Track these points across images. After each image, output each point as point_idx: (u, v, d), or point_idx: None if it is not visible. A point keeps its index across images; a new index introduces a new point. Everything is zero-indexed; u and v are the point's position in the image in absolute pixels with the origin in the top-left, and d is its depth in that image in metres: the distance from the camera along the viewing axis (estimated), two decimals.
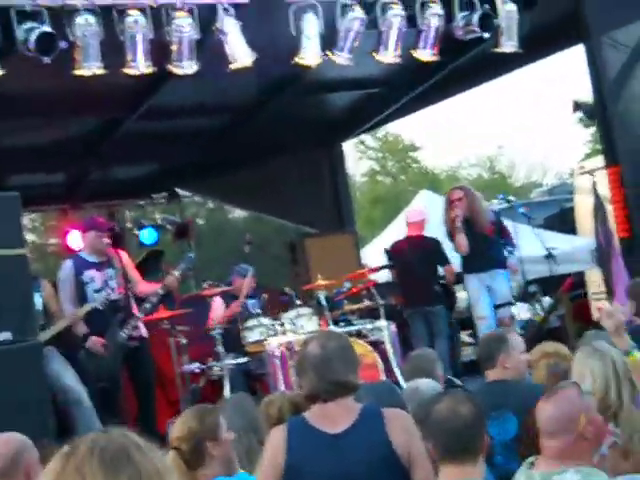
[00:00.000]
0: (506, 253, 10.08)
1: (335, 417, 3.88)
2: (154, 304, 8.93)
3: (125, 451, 1.99)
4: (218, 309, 9.76)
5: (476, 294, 9.72)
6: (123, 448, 2.00)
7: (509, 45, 9.28)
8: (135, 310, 8.99)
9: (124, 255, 9.30)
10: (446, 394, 3.56)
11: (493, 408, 3.48)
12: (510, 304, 9.77)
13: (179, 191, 14.88)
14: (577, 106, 10.79)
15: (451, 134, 52.12)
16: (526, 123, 53.18)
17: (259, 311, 9.48)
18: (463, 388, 6.64)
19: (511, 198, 11.32)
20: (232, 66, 8.33)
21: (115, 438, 2.02)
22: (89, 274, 8.80)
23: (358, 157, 35.67)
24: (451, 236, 9.87)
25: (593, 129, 29.77)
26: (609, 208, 10.40)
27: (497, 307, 9.64)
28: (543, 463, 3.56)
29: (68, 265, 8.93)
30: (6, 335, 7.00)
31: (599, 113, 10.28)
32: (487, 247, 9.65)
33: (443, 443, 3.38)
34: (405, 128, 43.39)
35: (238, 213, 26.60)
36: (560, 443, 3.49)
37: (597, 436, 3.58)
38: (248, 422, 4.66)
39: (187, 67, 8.21)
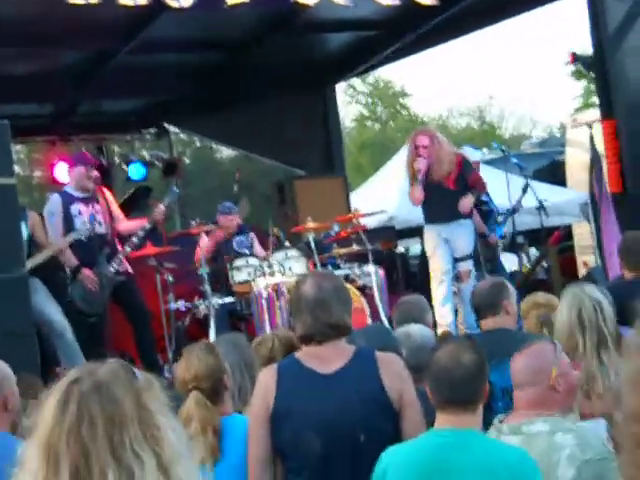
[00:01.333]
0: (487, 231, 9.92)
1: (328, 358, 3.85)
2: (141, 238, 8.90)
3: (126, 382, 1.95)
4: (204, 247, 9.69)
5: (431, 246, 9.15)
6: (124, 380, 1.96)
7: None
8: (119, 246, 8.97)
9: (107, 192, 9.29)
10: (448, 340, 3.51)
11: (494, 356, 3.47)
12: (470, 257, 9.14)
13: (168, 127, 14.73)
14: (575, 57, 10.67)
15: (442, 82, 51.88)
16: (517, 74, 53.00)
17: (247, 251, 9.48)
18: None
19: (504, 148, 11.19)
20: (229, 1, 8.20)
21: (111, 370, 1.98)
22: (76, 208, 8.77)
23: (347, 101, 35.46)
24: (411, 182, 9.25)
25: (585, 83, 29.66)
26: (604, 163, 10.33)
27: (456, 260, 9.09)
28: (513, 416, 3.60)
29: (56, 198, 8.89)
30: None
31: (597, 65, 10.18)
32: (446, 197, 9.02)
33: (443, 391, 3.34)
34: (396, 74, 43.15)
35: (225, 152, 26.47)
36: (529, 395, 3.54)
37: (569, 391, 3.61)
38: (242, 360, 4.61)
39: (183, 0, 8.08)
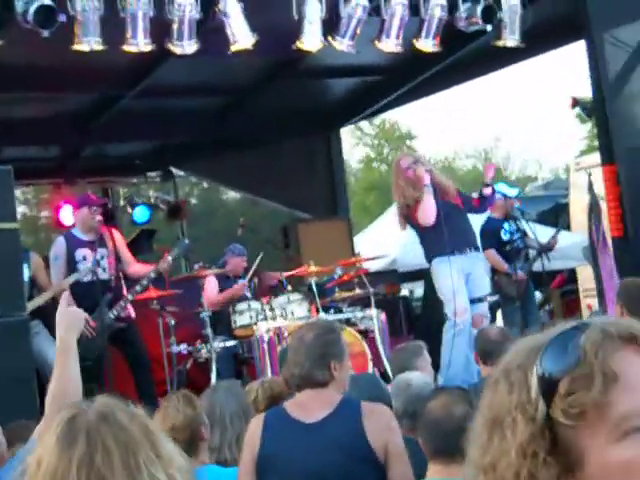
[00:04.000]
0: (510, 269, 9.80)
1: (312, 407, 3.89)
2: (144, 287, 8.89)
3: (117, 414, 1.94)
4: (211, 290, 9.72)
5: (452, 283, 7.80)
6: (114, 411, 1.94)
7: (511, 39, 9.23)
8: (125, 291, 8.95)
9: (117, 234, 9.27)
10: (442, 391, 3.52)
11: None
12: (487, 298, 8.28)
13: (174, 170, 14.81)
14: (576, 102, 10.74)
15: (448, 124, 52.09)
16: (523, 117, 53.19)
17: (249, 295, 9.52)
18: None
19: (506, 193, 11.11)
20: (232, 47, 8.27)
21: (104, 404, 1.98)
22: (81, 252, 8.77)
23: (354, 143, 35.64)
24: (408, 212, 8.24)
25: (590, 126, 29.77)
26: (604, 206, 10.34)
27: (474, 301, 8.03)
28: None
29: (60, 242, 8.92)
30: None
31: (597, 110, 10.21)
32: (462, 221, 8.05)
33: (434, 442, 3.36)
34: (402, 115, 43.30)
35: (231, 194, 26.54)
36: None
37: None
38: (239, 408, 4.63)
39: (187, 46, 8.15)
